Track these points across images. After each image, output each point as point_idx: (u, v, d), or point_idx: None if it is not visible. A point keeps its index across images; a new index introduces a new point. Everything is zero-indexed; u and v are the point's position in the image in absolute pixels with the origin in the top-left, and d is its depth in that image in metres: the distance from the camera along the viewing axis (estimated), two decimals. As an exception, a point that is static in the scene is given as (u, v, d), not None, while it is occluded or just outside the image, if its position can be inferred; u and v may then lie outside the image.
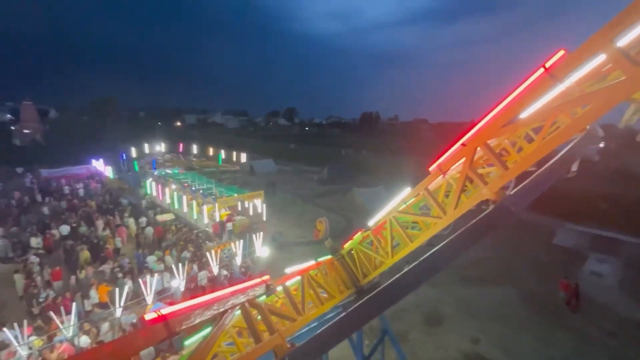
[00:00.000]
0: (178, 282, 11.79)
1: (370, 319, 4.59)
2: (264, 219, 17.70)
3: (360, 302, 4.44)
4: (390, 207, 4.98)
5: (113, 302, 10.63)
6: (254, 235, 13.98)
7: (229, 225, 15.94)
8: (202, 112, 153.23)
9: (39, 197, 23.06)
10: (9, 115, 73.72)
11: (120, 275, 12.42)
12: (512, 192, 3.77)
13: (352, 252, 5.61)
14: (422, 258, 4.12)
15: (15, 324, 8.88)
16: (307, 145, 67.14)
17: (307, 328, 5.03)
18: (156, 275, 12.11)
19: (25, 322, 9.16)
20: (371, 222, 5.33)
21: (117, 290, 10.60)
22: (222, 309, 3.65)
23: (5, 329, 8.71)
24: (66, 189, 25.23)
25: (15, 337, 8.59)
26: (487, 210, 3.75)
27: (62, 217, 18.58)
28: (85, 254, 13.78)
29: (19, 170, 30.68)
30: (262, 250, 14.24)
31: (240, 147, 57.21)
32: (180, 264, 12.23)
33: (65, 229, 16.74)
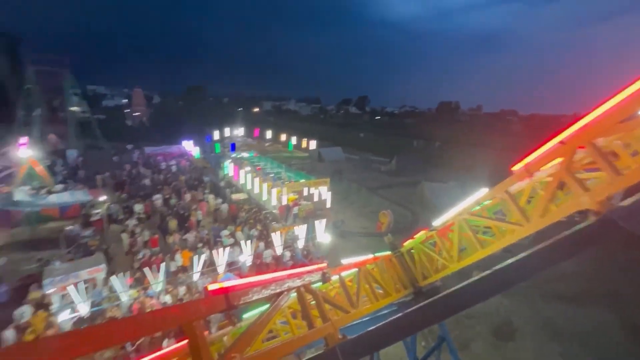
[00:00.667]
0: (245, 257, 12.79)
1: (429, 325, 4.31)
2: (328, 206, 18.01)
3: (419, 305, 4.18)
4: (462, 208, 4.51)
5: (192, 267, 12.10)
6: (317, 221, 14.34)
7: (295, 209, 16.63)
8: (278, 99, 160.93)
9: (142, 170, 27.17)
10: (124, 100, 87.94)
11: (199, 244, 14.04)
12: (623, 204, 3.05)
13: (413, 251, 5.29)
14: (496, 267, 3.64)
15: (121, 274, 10.73)
16: (376, 135, 65.70)
17: (359, 321, 4.97)
18: (227, 248, 13.34)
19: (127, 273, 11.03)
20: (437, 222, 4.93)
21: (195, 257, 12.02)
22: (278, 290, 3.80)
23: (114, 276, 10.60)
24: (162, 165, 29.25)
25: (120, 285, 10.41)
26: (588, 223, 3.11)
27: (158, 188, 21.63)
28: (173, 223, 15.84)
29: (129, 147, 36.43)
30: (324, 236, 14.55)
31: (310, 134, 58.71)
32: (248, 241, 13.25)
33: (157, 197, 19.54)
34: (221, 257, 12.39)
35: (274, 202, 17.34)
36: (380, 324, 4.22)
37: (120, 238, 14.91)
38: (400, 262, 5.33)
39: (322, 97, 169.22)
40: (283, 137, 42.93)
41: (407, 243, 5.44)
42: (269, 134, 42.61)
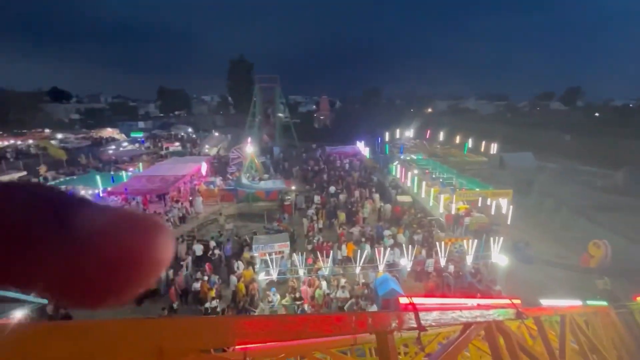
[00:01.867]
0: (405, 262, 12.57)
1: None
2: (508, 222, 15.13)
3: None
4: None
5: (354, 260, 13.02)
6: (491, 238, 12.35)
7: (466, 220, 14.93)
8: (454, 97, 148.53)
9: (322, 166, 31.48)
10: (314, 106, 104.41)
11: (362, 239, 14.94)
12: None
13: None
14: None
15: (299, 254, 12.86)
16: (591, 137, 49.64)
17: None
18: (388, 248, 13.53)
19: (304, 254, 13.10)
20: None
21: (358, 251, 12.86)
22: (467, 320, 3.26)
23: (294, 254, 12.85)
24: (338, 163, 32.90)
25: (299, 261, 12.49)
26: None
27: (333, 183, 24.51)
28: (342, 215, 17.52)
29: (314, 146, 42.95)
30: (499, 257, 12.35)
31: (491, 136, 51.00)
32: (410, 245, 12.96)
33: (332, 189, 22.14)
34: (381, 255, 12.71)
35: (441, 209, 16.20)
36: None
37: (302, 222, 17.84)
38: (625, 323, 3.70)
39: (510, 93, 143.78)
40: (458, 139, 39.40)
41: (641, 298, 3.76)
42: (441, 136, 40.16)
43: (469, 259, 12.55)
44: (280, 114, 45.35)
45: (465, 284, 11.97)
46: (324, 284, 11.88)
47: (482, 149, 32.27)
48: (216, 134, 48.48)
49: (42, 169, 27.42)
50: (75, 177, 23.95)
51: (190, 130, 53.29)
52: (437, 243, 12.88)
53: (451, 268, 12.53)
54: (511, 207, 14.90)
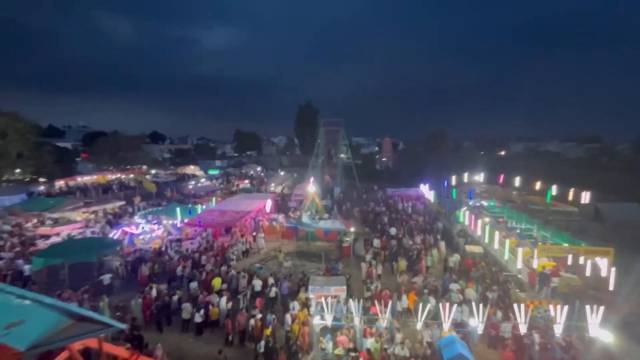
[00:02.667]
0: (476, 322, 11.04)
1: None
2: (611, 288, 12.45)
3: None
4: None
5: (415, 313, 11.85)
6: (587, 306, 10.22)
7: (554, 280, 12.74)
8: (532, 139, 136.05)
9: (383, 208, 30.70)
10: (376, 148, 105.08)
11: (425, 291, 13.69)
12: None
13: None
14: None
15: (356, 300, 12.26)
16: None
17: None
18: (455, 305, 12.09)
19: (361, 301, 12.43)
20: None
21: (420, 304, 11.72)
22: None
23: (351, 300, 12.28)
24: (400, 205, 31.78)
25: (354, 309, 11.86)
26: None
27: (394, 225, 23.53)
28: (403, 263, 16.48)
29: (375, 187, 42.52)
30: (601, 332, 10.04)
31: (582, 182, 44.44)
32: (481, 304, 11.42)
33: (393, 231, 21.21)
34: (447, 312, 11.38)
35: (519, 264, 14.18)
36: None
37: (360, 267, 17.22)
38: None
39: (603, 134, 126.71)
40: (538, 185, 35.24)
41: None
42: (517, 181, 36.35)
43: (558, 329, 10.46)
44: (342, 155, 46.56)
45: (554, 359, 9.91)
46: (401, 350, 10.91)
47: (571, 197, 28.08)
48: (282, 173, 51.46)
49: (137, 199, 31.87)
50: (160, 208, 27.19)
51: (259, 169, 57.52)
52: (516, 305, 11.10)
53: (536, 337, 10.57)
54: (613, 269, 12.30)
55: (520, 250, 14.09)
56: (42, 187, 35.78)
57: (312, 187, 25.97)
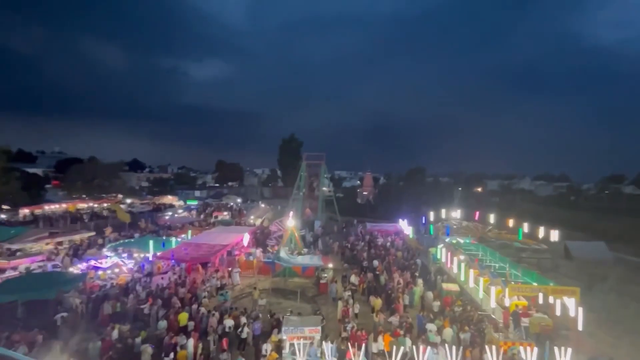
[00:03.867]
0: (451, 366, 10.84)
1: None
2: (580, 328, 12.69)
3: None
4: None
5: (390, 355, 11.52)
6: (555, 347, 10.34)
7: (525, 320, 12.89)
8: (507, 177, 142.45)
9: (362, 243, 30.62)
10: (358, 182, 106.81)
11: (401, 331, 13.43)
12: None
13: None
14: None
15: (330, 343, 11.83)
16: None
17: None
18: (428, 347, 11.88)
19: (334, 342, 12.05)
20: None
21: (394, 346, 11.46)
22: None
23: (324, 342, 11.86)
24: (379, 240, 31.85)
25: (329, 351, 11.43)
26: None
27: (372, 261, 23.41)
28: (378, 302, 16.25)
29: (355, 221, 42.67)
30: (571, 374, 10.08)
31: (551, 221, 46.44)
32: (454, 345, 11.30)
33: (375, 263, 21.17)
34: (426, 356, 11.13)
35: (492, 303, 14.32)
36: None
37: (336, 304, 16.81)
38: None
39: (571, 174, 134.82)
40: (511, 222, 36.54)
41: None
42: (491, 218, 37.59)
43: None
44: (324, 189, 46.96)
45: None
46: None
47: (541, 235, 29.14)
48: (262, 205, 50.96)
49: (108, 230, 30.48)
50: (132, 240, 26.05)
51: (239, 200, 56.78)
52: (487, 346, 11.06)
53: (509, 380, 10.48)
54: (580, 308, 12.62)
55: (493, 289, 14.30)
56: (3, 215, 33.68)
57: (291, 221, 25.81)
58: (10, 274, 18.73)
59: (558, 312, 13.55)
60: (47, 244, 24.43)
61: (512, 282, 14.28)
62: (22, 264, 20.01)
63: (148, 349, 11.70)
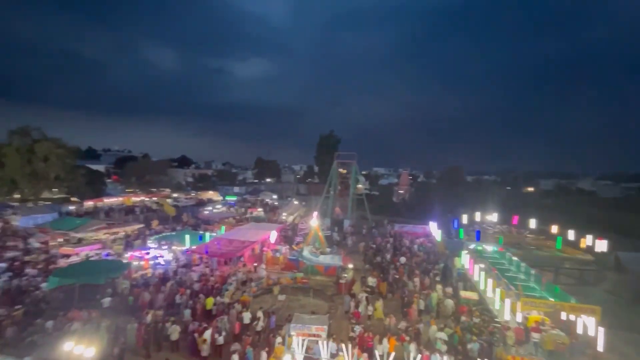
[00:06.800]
0: (450, 375, 10.97)
1: None
2: (599, 349, 11.90)
3: None
4: None
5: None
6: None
7: (535, 336, 12.42)
8: (566, 176, 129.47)
9: (388, 245, 30.52)
10: (396, 180, 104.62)
11: (408, 338, 13.65)
12: None
13: None
14: None
15: (330, 341, 12.47)
16: None
17: None
18: (437, 354, 12.02)
19: (333, 342, 12.66)
20: None
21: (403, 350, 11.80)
22: None
23: (327, 341, 12.54)
24: (406, 242, 31.51)
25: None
26: None
27: (394, 265, 23.46)
28: (378, 305, 16.52)
29: (385, 221, 42.36)
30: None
31: (608, 227, 41.87)
32: (459, 355, 11.36)
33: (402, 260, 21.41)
34: (425, 361, 11.38)
35: (506, 315, 13.91)
36: None
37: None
38: None
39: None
40: (555, 228, 33.79)
41: None
42: (533, 223, 35.00)
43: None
44: (359, 185, 47.16)
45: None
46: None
47: (588, 244, 26.62)
48: (295, 202, 52.54)
49: (155, 223, 33.84)
50: (174, 233, 28.76)
51: (274, 197, 59.04)
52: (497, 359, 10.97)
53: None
54: (601, 328, 11.79)
55: (508, 302, 13.87)
56: (72, 207, 38.93)
57: (315, 221, 26.67)
58: (73, 259, 21.93)
59: (580, 331, 12.81)
60: (104, 234, 28.00)
61: (526, 296, 13.68)
62: (83, 251, 23.27)
63: (177, 329, 13.40)
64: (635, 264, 27.20)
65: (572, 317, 12.91)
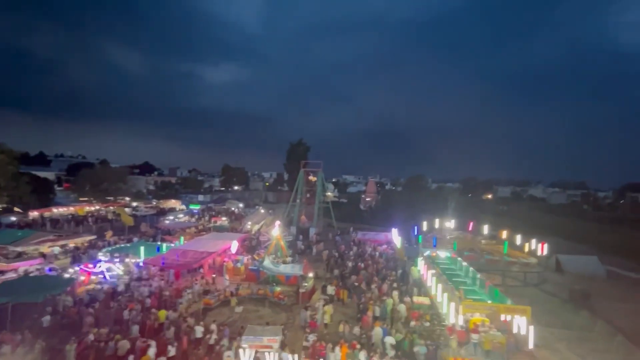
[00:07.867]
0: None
1: None
2: (530, 347, 12.94)
3: None
4: None
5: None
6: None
7: (474, 337, 13.24)
8: (520, 183, 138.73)
9: (350, 253, 31.00)
10: (364, 187, 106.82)
11: (359, 345, 13.95)
12: None
13: None
14: None
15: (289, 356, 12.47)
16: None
17: None
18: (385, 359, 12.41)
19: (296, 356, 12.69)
20: None
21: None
22: None
23: (285, 353, 12.53)
24: (368, 250, 32.23)
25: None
26: None
27: (355, 271, 23.90)
28: (328, 310, 16.82)
29: (351, 229, 43.03)
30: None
31: (555, 232, 45.46)
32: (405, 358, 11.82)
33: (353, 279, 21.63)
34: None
35: (452, 318, 14.70)
36: None
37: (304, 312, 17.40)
38: None
39: (592, 182, 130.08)
40: (504, 234, 36.21)
41: None
42: (485, 229, 37.28)
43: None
44: (329, 193, 47.63)
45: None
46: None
47: (531, 247, 28.71)
48: (262, 210, 51.97)
49: (109, 234, 31.99)
50: (129, 245, 27.36)
51: (241, 205, 58.00)
52: (440, 361, 11.54)
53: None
54: (532, 327, 12.87)
55: (452, 305, 14.68)
56: (13, 218, 35.81)
57: (277, 230, 26.59)
58: (9, 276, 20.15)
59: (515, 330, 13.84)
60: (49, 247, 25.99)
61: (466, 299, 14.61)
62: (22, 267, 21.45)
63: (126, 345, 12.79)
64: (572, 265, 29.80)
65: (508, 317, 13.91)
